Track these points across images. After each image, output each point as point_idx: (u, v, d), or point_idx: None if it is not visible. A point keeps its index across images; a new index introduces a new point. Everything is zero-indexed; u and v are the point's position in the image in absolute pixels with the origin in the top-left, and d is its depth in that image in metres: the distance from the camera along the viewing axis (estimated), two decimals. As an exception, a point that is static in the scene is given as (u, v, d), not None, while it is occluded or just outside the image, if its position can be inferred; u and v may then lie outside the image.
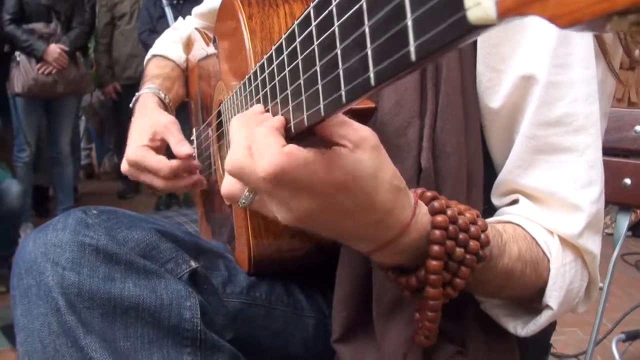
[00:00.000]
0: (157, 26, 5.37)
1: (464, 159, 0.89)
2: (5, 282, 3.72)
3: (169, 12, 5.40)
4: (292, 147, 0.59)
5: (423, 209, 0.70)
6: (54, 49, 4.37)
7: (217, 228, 1.28)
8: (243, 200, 0.67)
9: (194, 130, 1.46)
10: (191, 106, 1.52)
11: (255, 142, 0.61)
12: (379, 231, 0.67)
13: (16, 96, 4.44)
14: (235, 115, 0.87)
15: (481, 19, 0.30)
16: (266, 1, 0.95)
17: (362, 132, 0.62)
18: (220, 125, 1.13)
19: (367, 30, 0.42)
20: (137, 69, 5.76)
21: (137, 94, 1.35)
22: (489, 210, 0.93)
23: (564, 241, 0.86)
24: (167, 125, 1.17)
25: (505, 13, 0.29)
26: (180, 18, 1.58)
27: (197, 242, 1.01)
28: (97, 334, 0.79)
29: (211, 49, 1.21)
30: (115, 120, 6.33)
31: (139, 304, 0.81)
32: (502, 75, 0.87)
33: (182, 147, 1.14)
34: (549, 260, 0.84)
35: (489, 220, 0.86)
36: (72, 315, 0.80)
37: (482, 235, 0.73)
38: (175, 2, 5.41)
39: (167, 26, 5.33)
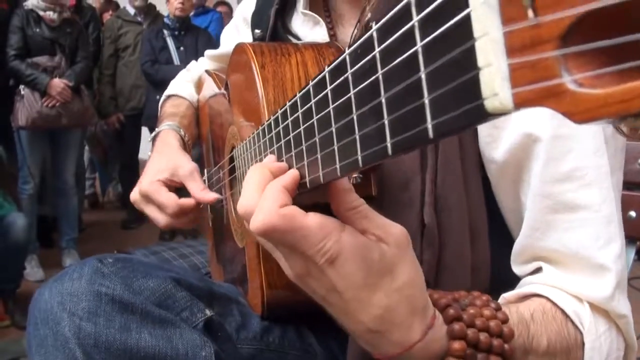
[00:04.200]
0: (159, 57, 5.42)
1: (466, 213, 0.88)
2: (10, 315, 3.72)
3: (170, 42, 5.46)
4: (292, 209, 0.60)
5: (438, 332, 0.67)
6: (58, 83, 4.39)
7: (229, 268, 1.29)
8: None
9: (205, 171, 1.48)
10: (202, 145, 1.54)
11: (262, 197, 0.62)
12: (373, 339, 0.65)
13: (20, 129, 4.46)
14: (248, 162, 0.89)
15: (498, 109, 0.31)
16: (278, 50, 0.97)
17: (390, 227, 0.63)
18: (232, 170, 1.14)
19: (383, 101, 0.43)
20: (140, 100, 5.82)
21: (157, 129, 1.36)
22: (497, 259, 0.93)
23: (594, 307, 0.82)
24: (191, 172, 1.18)
25: (521, 104, 0.30)
26: (193, 62, 1.61)
27: (211, 287, 1.01)
28: None
29: (223, 93, 1.22)
30: (119, 150, 6.37)
31: (155, 355, 0.82)
32: (502, 132, 0.86)
33: (206, 194, 1.15)
34: (582, 334, 0.81)
35: (516, 295, 0.85)
36: None
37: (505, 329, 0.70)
38: (176, 33, 5.46)
39: (169, 57, 5.41)
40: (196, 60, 4.82)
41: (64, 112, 4.48)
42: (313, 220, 0.59)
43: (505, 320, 0.71)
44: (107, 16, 6.50)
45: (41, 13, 4.48)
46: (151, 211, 1.17)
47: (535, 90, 0.29)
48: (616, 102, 0.27)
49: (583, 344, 0.80)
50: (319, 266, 0.60)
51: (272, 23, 1.15)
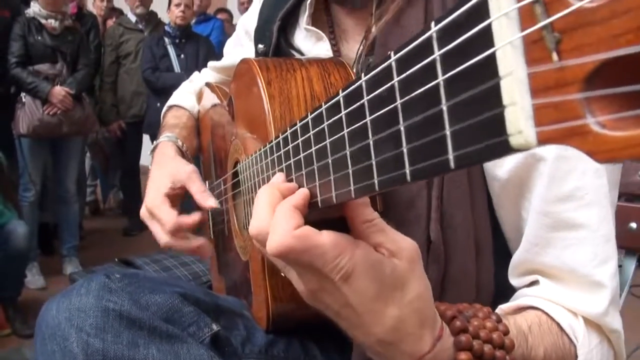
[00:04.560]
0: (159, 64, 5.44)
1: (472, 229, 0.89)
2: (11, 323, 3.72)
3: (171, 50, 5.48)
4: (305, 230, 0.60)
5: (446, 343, 0.68)
6: (59, 91, 4.40)
7: (231, 281, 1.29)
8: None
9: (207, 183, 1.48)
10: (202, 156, 1.54)
11: (273, 217, 0.63)
12: (385, 350, 0.66)
13: (21, 137, 4.46)
14: (254, 178, 0.89)
15: (522, 145, 0.32)
16: (283, 65, 0.98)
17: (402, 242, 0.64)
18: (236, 184, 1.14)
19: (402, 129, 0.43)
20: (142, 107, 5.82)
21: (155, 141, 1.37)
22: (499, 274, 0.93)
23: (588, 322, 0.85)
24: (190, 174, 1.19)
25: (545, 141, 0.31)
26: (196, 73, 1.62)
27: (217, 302, 1.02)
28: None
29: (226, 107, 1.23)
30: (120, 157, 6.38)
31: None
32: None
33: (206, 198, 1.15)
34: (575, 346, 0.83)
35: (514, 306, 0.87)
36: None
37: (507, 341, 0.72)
38: (177, 41, 5.48)
39: (170, 64, 5.42)
40: (196, 67, 4.82)
41: (65, 120, 4.48)
42: (327, 238, 0.60)
43: (506, 332, 0.73)
44: (110, 23, 6.52)
45: (43, 21, 4.49)
46: (154, 227, 1.17)
47: (559, 130, 0.30)
48: (637, 144, 0.27)
49: (576, 355, 0.83)
50: (334, 282, 0.61)
51: (275, 38, 1.15)
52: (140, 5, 5.98)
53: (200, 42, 5.64)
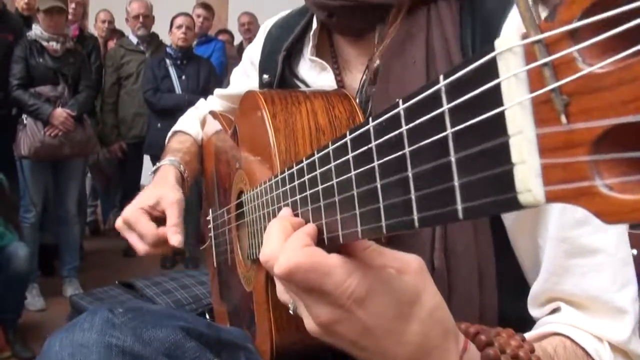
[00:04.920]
0: (161, 85, 5.46)
1: (475, 257, 0.89)
2: (11, 346, 3.70)
3: (172, 71, 5.50)
4: (315, 248, 0.60)
5: (473, 356, 0.66)
6: (60, 113, 4.41)
7: (235, 309, 1.30)
8: (290, 306, 0.70)
9: (210, 210, 1.49)
10: (206, 182, 1.55)
11: (285, 244, 0.63)
12: None
13: (23, 158, 4.47)
14: (259, 210, 0.90)
15: (531, 203, 0.32)
16: (288, 98, 0.99)
17: (405, 257, 0.63)
18: (240, 215, 1.15)
19: (410, 176, 0.44)
20: (143, 128, 5.83)
21: (158, 163, 1.38)
22: (504, 302, 0.93)
23: (613, 347, 0.84)
24: (173, 203, 1.20)
25: (553, 199, 0.32)
26: (202, 99, 1.64)
27: (219, 335, 1.02)
28: None
29: (230, 135, 1.24)
30: (121, 177, 6.38)
31: None
32: None
33: (173, 233, 1.16)
34: None
35: (536, 335, 0.86)
36: None
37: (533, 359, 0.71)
38: (179, 62, 5.50)
39: (171, 85, 5.45)
40: (197, 88, 4.82)
41: (66, 141, 4.49)
42: (336, 259, 0.59)
43: (532, 350, 0.71)
44: (111, 44, 6.54)
45: (44, 43, 4.51)
46: (132, 238, 1.19)
47: (567, 190, 0.31)
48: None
49: None
50: (346, 308, 0.59)
51: (280, 69, 1.16)
52: (142, 27, 6.01)
53: (201, 63, 5.66)
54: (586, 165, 0.29)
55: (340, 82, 1.12)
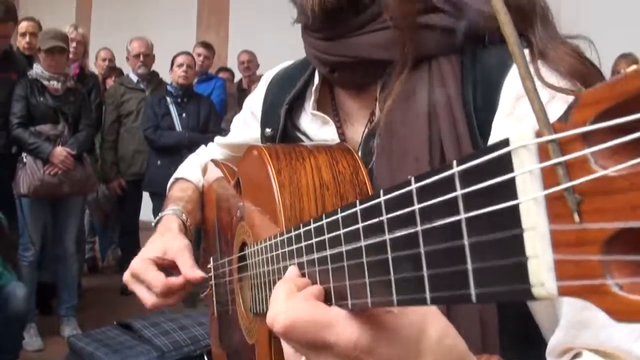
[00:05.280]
0: (161, 123, 5.49)
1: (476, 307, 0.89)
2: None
3: (173, 109, 5.54)
4: (315, 303, 0.61)
5: None
6: (60, 152, 4.44)
7: (235, 357, 1.29)
8: None
9: (211, 259, 1.49)
10: (207, 230, 1.56)
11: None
12: None
13: (22, 197, 4.48)
14: (263, 266, 0.90)
15: (543, 296, 0.33)
16: (292, 153, 1.00)
17: None
18: (243, 267, 1.15)
19: (422, 253, 0.44)
20: (142, 165, 5.85)
21: (160, 214, 1.39)
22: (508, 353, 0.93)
23: None
24: (181, 249, 1.20)
25: (565, 294, 0.32)
26: (203, 146, 1.65)
27: None
28: None
29: (234, 186, 1.25)
30: (120, 214, 6.39)
31: None
32: None
33: (194, 271, 1.15)
34: None
35: None
36: None
37: None
38: (179, 100, 5.55)
39: (171, 123, 5.48)
40: (198, 126, 4.84)
41: (65, 180, 4.51)
42: (337, 310, 0.60)
43: None
44: (110, 82, 6.60)
45: (45, 82, 4.56)
46: (140, 291, 1.17)
47: (579, 286, 0.32)
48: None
49: None
50: (354, 358, 0.58)
51: (283, 123, 1.17)
52: (142, 66, 6.07)
53: (201, 101, 5.71)
54: (598, 263, 0.30)
55: (342, 135, 1.13)
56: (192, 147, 5.26)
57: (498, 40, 0.95)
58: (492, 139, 0.87)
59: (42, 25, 5.46)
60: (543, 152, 0.33)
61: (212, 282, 1.45)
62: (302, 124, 1.18)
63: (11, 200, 4.52)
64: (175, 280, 1.15)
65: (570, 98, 0.82)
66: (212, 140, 1.59)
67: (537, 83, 0.85)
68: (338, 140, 1.11)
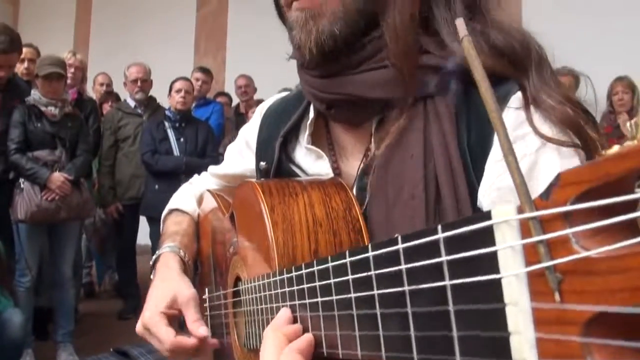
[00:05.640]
0: (159, 147, 5.50)
1: None
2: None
3: (171, 134, 5.55)
4: None
5: None
6: (57, 177, 4.43)
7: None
8: None
9: (206, 290, 1.49)
10: (202, 261, 1.55)
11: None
12: None
13: (19, 222, 4.47)
14: (256, 304, 0.90)
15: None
16: (286, 189, 1.00)
17: None
18: (237, 302, 1.15)
19: (409, 312, 0.45)
20: (139, 190, 5.85)
21: (157, 251, 1.38)
22: None
23: None
24: (189, 300, 1.20)
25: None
26: (196, 175, 1.64)
27: None
28: None
29: (227, 219, 1.25)
30: (117, 238, 6.37)
31: None
32: None
33: (198, 327, 1.15)
34: None
35: None
36: None
37: None
38: (177, 125, 5.56)
39: (169, 147, 5.49)
40: (195, 150, 4.82)
41: (63, 205, 4.49)
42: None
43: None
44: (106, 107, 6.61)
45: (43, 108, 4.56)
46: (154, 342, 1.18)
47: (561, 364, 0.32)
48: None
49: None
50: None
51: (277, 156, 1.17)
52: (140, 91, 6.08)
53: (199, 126, 5.73)
54: (578, 345, 0.31)
55: (336, 169, 1.13)
56: (189, 171, 5.30)
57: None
58: (485, 182, 0.88)
59: (41, 51, 5.49)
60: (525, 228, 0.33)
61: (208, 313, 1.45)
62: (297, 157, 1.18)
63: (8, 226, 4.51)
64: (184, 340, 1.15)
65: (563, 148, 0.82)
66: (210, 164, 1.59)
67: (528, 130, 0.85)
68: (332, 175, 1.11)
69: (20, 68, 5.19)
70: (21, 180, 4.48)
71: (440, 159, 0.94)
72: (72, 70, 5.65)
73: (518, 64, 0.91)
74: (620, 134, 5.28)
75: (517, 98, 0.89)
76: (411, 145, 0.98)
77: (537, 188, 0.85)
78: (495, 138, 0.89)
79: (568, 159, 0.83)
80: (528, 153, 0.85)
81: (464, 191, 0.88)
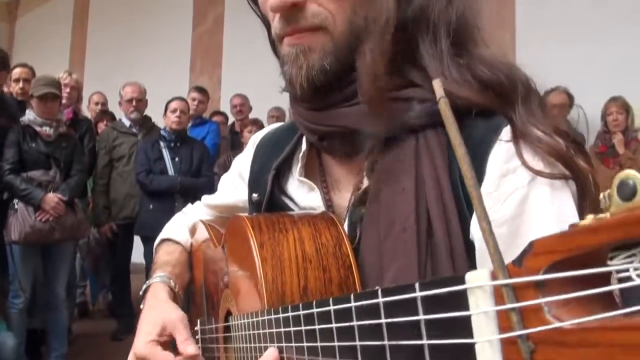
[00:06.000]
0: (153, 167, 5.50)
1: None
2: None
3: (166, 153, 5.55)
4: None
5: None
6: (52, 198, 4.43)
7: None
8: None
9: (198, 321, 1.48)
10: (194, 290, 1.55)
11: None
12: None
13: (13, 243, 4.45)
14: (246, 341, 0.90)
15: None
16: (276, 225, 1.00)
17: None
18: (228, 337, 1.15)
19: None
20: (134, 209, 5.84)
21: (147, 282, 1.37)
22: None
23: None
24: (176, 322, 1.19)
25: None
26: (189, 205, 1.64)
27: None
28: None
29: (220, 250, 1.25)
30: (111, 258, 6.35)
31: None
32: None
33: (187, 346, 1.15)
34: None
35: None
36: None
37: None
38: (172, 144, 5.56)
39: (164, 167, 5.48)
40: (190, 169, 4.81)
41: (57, 226, 4.48)
42: None
43: None
44: (101, 126, 6.61)
45: (37, 128, 4.56)
46: None
47: None
48: None
49: None
50: None
51: (269, 189, 1.17)
52: (135, 111, 6.09)
53: (194, 145, 5.73)
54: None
55: (328, 201, 1.13)
56: (184, 191, 5.29)
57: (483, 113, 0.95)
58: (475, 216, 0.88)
59: (36, 70, 5.49)
60: (498, 294, 0.33)
61: (200, 345, 1.45)
62: (289, 188, 1.18)
63: (2, 247, 4.50)
64: (180, 358, 1.14)
65: (555, 181, 0.83)
66: (205, 183, 1.59)
67: (519, 163, 0.85)
68: (323, 208, 1.11)
69: (15, 88, 5.21)
70: (15, 200, 4.48)
71: (432, 192, 0.94)
72: (68, 90, 5.66)
73: (504, 97, 0.91)
74: (615, 154, 5.31)
75: (507, 131, 0.89)
76: (402, 179, 0.98)
77: (529, 223, 0.85)
78: (488, 170, 0.90)
79: (559, 191, 0.84)
80: (520, 186, 0.85)
81: (456, 225, 0.88)
